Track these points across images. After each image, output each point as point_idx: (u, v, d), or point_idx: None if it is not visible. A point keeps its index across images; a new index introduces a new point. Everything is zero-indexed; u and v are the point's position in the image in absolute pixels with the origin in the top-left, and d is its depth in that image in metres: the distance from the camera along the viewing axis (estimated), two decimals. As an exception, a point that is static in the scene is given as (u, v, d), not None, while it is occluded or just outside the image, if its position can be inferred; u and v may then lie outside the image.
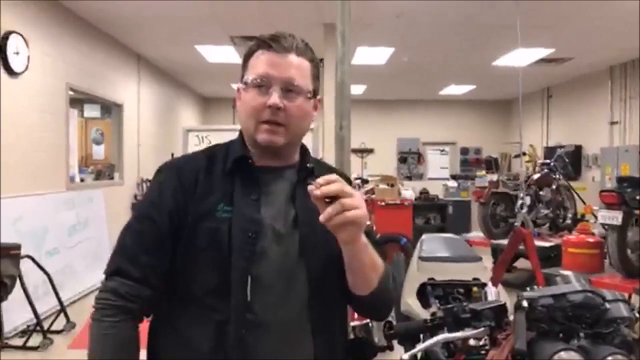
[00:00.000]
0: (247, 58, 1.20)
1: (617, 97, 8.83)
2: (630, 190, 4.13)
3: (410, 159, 13.57)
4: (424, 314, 2.22)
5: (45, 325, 4.31)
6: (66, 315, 4.55)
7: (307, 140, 1.48)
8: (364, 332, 2.97)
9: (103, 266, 1.19)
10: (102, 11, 6.04)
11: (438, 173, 13.22)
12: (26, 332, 4.27)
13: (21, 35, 4.86)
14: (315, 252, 1.16)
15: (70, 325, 4.53)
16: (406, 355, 1.36)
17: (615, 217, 4.09)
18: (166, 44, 7.66)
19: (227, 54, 8.00)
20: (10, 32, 4.70)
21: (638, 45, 7.05)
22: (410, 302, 2.40)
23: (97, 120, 8.48)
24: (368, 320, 3.00)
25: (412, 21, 6.38)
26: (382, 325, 1.48)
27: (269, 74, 1.14)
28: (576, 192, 6.76)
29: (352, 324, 2.88)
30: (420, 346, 1.41)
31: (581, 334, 1.25)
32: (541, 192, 6.38)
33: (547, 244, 5.59)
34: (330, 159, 3.58)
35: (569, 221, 6.38)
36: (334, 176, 1.03)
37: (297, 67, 1.16)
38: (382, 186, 7.94)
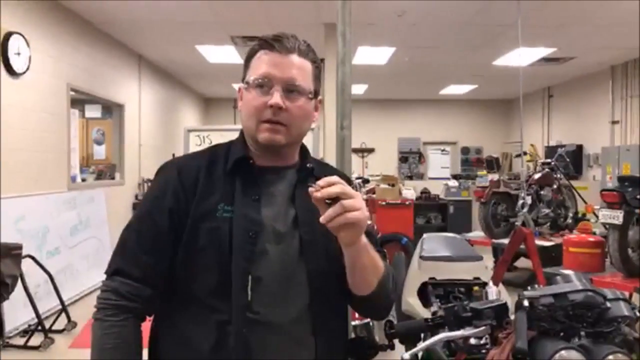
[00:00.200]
0: (249, 58, 1.21)
1: (618, 96, 8.82)
2: (631, 189, 4.13)
3: (411, 158, 13.57)
4: (425, 313, 2.22)
5: (47, 325, 4.31)
6: (67, 315, 4.56)
7: (308, 140, 1.48)
8: (365, 331, 2.97)
9: (104, 266, 1.19)
10: (103, 12, 6.04)
11: (439, 173, 13.21)
12: (27, 332, 4.28)
13: (22, 36, 4.87)
14: (316, 252, 1.17)
15: (71, 324, 4.53)
16: (407, 354, 1.37)
17: (616, 217, 4.09)
18: (167, 44, 7.67)
19: (227, 54, 8.00)
20: (11, 33, 4.71)
21: (639, 45, 7.05)
22: (411, 301, 2.40)
23: (98, 120, 8.49)
24: (369, 320, 3.00)
25: (413, 21, 6.38)
26: (383, 325, 1.48)
27: (271, 74, 1.15)
28: (577, 192, 6.76)
29: (353, 323, 2.88)
30: (421, 345, 1.42)
31: (582, 333, 1.25)
32: (542, 192, 6.37)
33: (548, 244, 5.59)
34: (331, 158, 3.58)
35: (569, 220, 6.38)
36: (334, 178, 1.03)
37: (298, 67, 1.17)
38: (383, 186, 7.94)
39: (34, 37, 5.08)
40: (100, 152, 8.04)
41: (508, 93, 12.24)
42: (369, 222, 1.08)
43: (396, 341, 1.49)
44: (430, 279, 2.43)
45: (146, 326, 1.20)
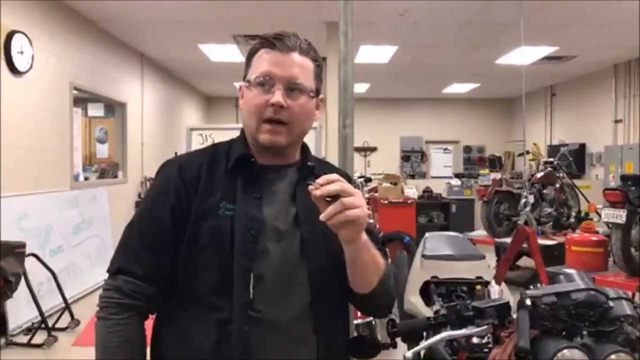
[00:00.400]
0: (250, 56, 1.21)
1: (621, 95, 8.80)
2: (634, 188, 4.12)
3: (413, 157, 13.55)
4: (427, 312, 2.22)
5: (50, 323, 4.33)
6: (70, 313, 4.57)
7: (310, 138, 1.48)
8: (367, 330, 2.97)
9: (107, 264, 1.19)
10: (106, 11, 6.05)
11: (441, 171, 13.20)
12: (31, 330, 4.29)
13: (25, 35, 4.88)
14: (316, 250, 1.17)
15: (74, 322, 4.55)
16: (409, 353, 1.37)
17: (619, 216, 4.08)
18: (169, 43, 7.67)
19: (230, 53, 8.01)
20: (14, 32, 4.71)
21: (639, 45, 7.02)
22: (413, 300, 2.40)
23: (101, 119, 8.50)
24: (371, 318, 3.00)
25: (415, 20, 6.37)
26: (386, 323, 1.48)
27: (272, 73, 1.15)
28: (580, 191, 6.74)
29: (355, 321, 2.88)
30: (424, 344, 1.42)
31: (584, 332, 1.25)
32: (545, 191, 6.36)
33: (550, 243, 5.58)
34: (333, 157, 3.58)
35: (572, 219, 6.37)
36: (334, 176, 1.03)
37: (300, 66, 1.17)
38: (385, 185, 7.94)
39: (36, 36, 5.09)
40: (102, 150, 8.05)
41: (510, 92, 12.21)
42: (370, 220, 1.08)
43: (399, 340, 1.49)
44: (433, 277, 2.43)
45: (149, 324, 1.20)
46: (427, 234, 2.99)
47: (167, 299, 1.17)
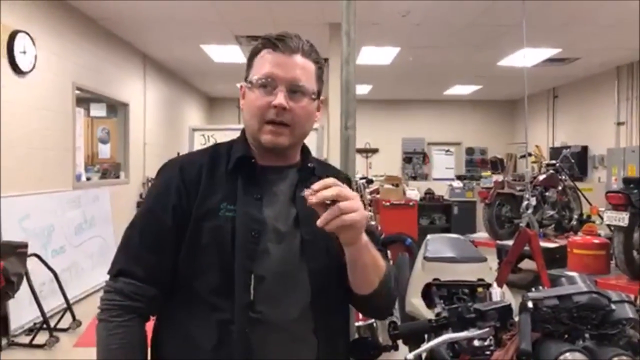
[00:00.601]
0: (252, 57, 1.20)
1: (623, 97, 8.78)
2: (637, 191, 4.11)
3: (415, 159, 13.54)
4: (429, 314, 2.22)
5: (52, 323, 4.33)
6: (72, 314, 4.58)
7: (312, 140, 1.48)
8: (368, 332, 2.97)
9: (109, 265, 1.19)
10: (109, 11, 6.06)
11: (443, 173, 13.19)
12: (32, 330, 4.30)
13: (28, 35, 4.89)
14: (316, 251, 1.17)
15: (76, 323, 4.55)
16: (411, 355, 1.37)
17: (622, 218, 4.07)
18: (172, 44, 7.69)
19: (232, 54, 8.01)
20: (17, 32, 4.73)
21: (639, 45, 7.00)
22: (414, 302, 2.40)
23: (103, 119, 8.52)
24: (373, 320, 3.00)
25: (417, 21, 6.38)
26: (387, 325, 1.48)
27: (275, 74, 1.14)
28: (582, 193, 6.73)
29: (356, 324, 2.88)
30: (425, 346, 1.42)
31: (586, 335, 1.25)
32: (547, 193, 6.35)
33: (552, 245, 5.57)
34: (335, 158, 3.58)
35: (574, 222, 6.35)
36: (330, 180, 1.03)
37: (302, 68, 1.17)
38: (387, 186, 7.94)
39: (39, 36, 5.10)
40: (105, 150, 8.06)
41: (512, 94, 12.20)
42: (372, 222, 1.08)
43: (400, 342, 1.49)
44: (434, 280, 2.43)
45: (149, 325, 1.20)
46: (428, 236, 2.98)
47: (168, 300, 1.17)
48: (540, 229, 6.02)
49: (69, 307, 4.57)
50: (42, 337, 4.17)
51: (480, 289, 2.32)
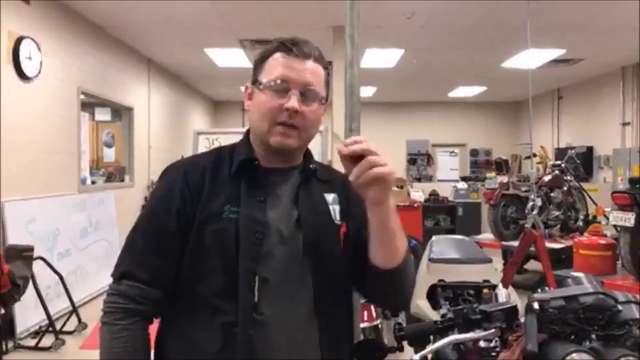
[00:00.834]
0: (263, 59, 1.21)
1: (629, 97, 8.75)
2: (643, 191, 4.09)
3: (419, 160, 13.53)
4: (434, 316, 2.22)
5: (57, 326, 4.35)
6: (78, 316, 4.59)
7: (317, 142, 1.49)
8: (373, 333, 2.97)
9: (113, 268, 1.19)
10: (113, 16, 6.09)
11: (448, 175, 13.16)
12: (38, 333, 4.32)
13: (34, 41, 4.92)
14: (319, 253, 1.17)
15: (81, 326, 4.56)
16: (416, 357, 1.36)
17: (628, 219, 4.05)
18: (176, 48, 7.71)
19: (236, 58, 8.03)
20: (23, 38, 4.76)
21: (639, 46, 6.98)
22: (420, 303, 2.40)
23: (108, 123, 8.56)
24: (378, 322, 3.00)
25: (421, 23, 6.37)
26: (392, 327, 1.48)
27: (289, 77, 1.15)
28: (588, 194, 6.70)
29: (362, 325, 2.88)
30: (431, 347, 1.41)
31: (593, 336, 1.24)
32: (552, 194, 6.32)
33: (558, 246, 5.55)
34: (339, 162, 3.58)
35: (580, 223, 6.32)
36: (361, 137, 1.05)
37: (314, 72, 1.18)
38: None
39: (45, 42, 5.13)
40: (109, 154, 8.10)
41: (517, 95, 12.18)
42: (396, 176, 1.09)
43: (405, 343, 1.49)
44: (440, 281, 2.42)
45: (153, 327, 1.20)
46: (433, 238, 2.98)
47: (171, 303, 1.18)
48: (546, 229, 5.99)
49: (74, 310, 4.59)
50: (48, 340, 4.19)
51: (485, 290, 2.31)
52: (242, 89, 1.28)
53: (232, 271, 1.12)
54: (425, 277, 2.53)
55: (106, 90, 6.78)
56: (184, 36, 7.02)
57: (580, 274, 1.38)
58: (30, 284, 4.09)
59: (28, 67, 4.84)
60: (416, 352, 1.41)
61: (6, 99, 4.54)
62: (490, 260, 2.64)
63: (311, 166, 1.25)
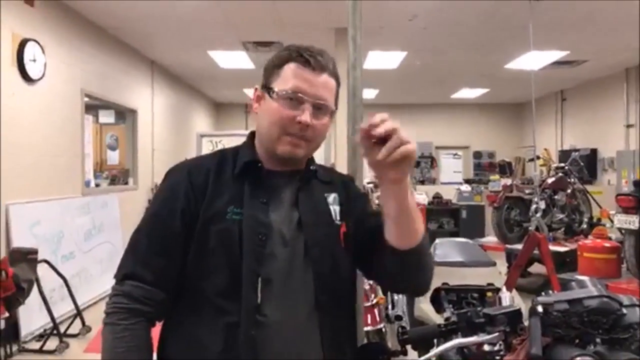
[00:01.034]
0: (278, 65, 1.20)
1: (632, 99, 8.72)
2: (647, 194, 4.08)
3: (423, 163, 13.50)
4: (438, 319, 2.21)
5: (62, 329, 4.36)
6: (82, 319, 4.60)
7: (320, 148, 1.48)
8: (377, 337, 2.96)
9: (117, 271, 1.19)
10: (117, 18, 6.12)
11: (451, 177, 13.14)
12: (43, 336, 4.32)
13: (38, 43, 4.94)
14: (320, 254, 1.18)
15: (86, 329, 4.57)
16: (420, 360, 1.36)
17: (632, 222, 4.04)
18: (179, 50, 7.74)
19: (239, 60, 8.04)
20: (27, 40, 4.78)
21: (639, 47, 6.95)
22: (423, 307, 2.39)
23: (112, 125, 8.58)
24: (382, 325, 2.99)
25: (424, 24, 6.37)
26: (396, 330, 1.47)
27: (303, 90, 1.16)
28: (592, 196, 6.68)
29: (365, 328, 2.87)
30: (434, 351, 1.41)
31: (597, 340, 1.23)
32: (556, 196, 6.31)
33: (562, 249, 5.53)
34: (342, 164, 3.58)
35: (584, 225, 6.30)
36: (385, 115, 1.03)
37: (327, 86, 1.19)
38: (395, 190, 7.90)
39: (49, 44, 5.15)
40: (113, 157, 8.12)
41: (520, 97, 12.15)
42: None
43: (409, 347, 1.48)
44: (443, 284, 2.42)
45: (154, 330, 1.20)
46: (437, 240, 2.98)
47: (174, 303, 1.18)
48: (550, 232, 5.98)
49: (78, 313, 4.59)
50: (52, 343, 4.19)
51: (489, 294, 2.31)
52: (251, 92, 1.28)
53: (235, 271, 1.13)
54: (428, 280, 2.51)
55: (110, 92, 6.80)
56: (188, 38, 7.04)
57: (584, 277, 1.38)
58: (35, 287, 4.10)
59: (32, 70, 4.86)
60: (420, 355, 1.41)
61: (10, 101, 4.56)
62: (494, 264, 2.63)
63: (311, 167, 1.26)
